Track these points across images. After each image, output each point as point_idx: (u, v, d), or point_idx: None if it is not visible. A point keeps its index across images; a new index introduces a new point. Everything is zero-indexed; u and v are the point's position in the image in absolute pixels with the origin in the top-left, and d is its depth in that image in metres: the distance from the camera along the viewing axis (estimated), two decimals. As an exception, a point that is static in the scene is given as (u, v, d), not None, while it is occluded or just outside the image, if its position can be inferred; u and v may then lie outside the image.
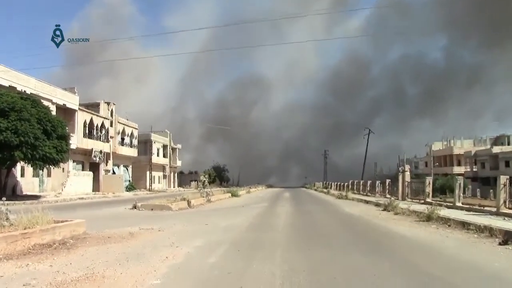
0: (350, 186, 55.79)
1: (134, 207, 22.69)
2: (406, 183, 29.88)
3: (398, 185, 31.14)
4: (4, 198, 13.94)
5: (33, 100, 32.89)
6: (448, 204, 22.17)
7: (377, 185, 40.26)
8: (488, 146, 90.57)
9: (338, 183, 69.05)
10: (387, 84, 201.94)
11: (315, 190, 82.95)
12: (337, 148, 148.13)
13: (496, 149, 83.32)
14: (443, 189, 51.45)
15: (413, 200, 27.46)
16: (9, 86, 35.30)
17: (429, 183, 25.75)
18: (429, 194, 25.59)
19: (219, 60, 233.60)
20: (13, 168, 36.19)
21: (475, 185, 76.22)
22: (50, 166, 33.87)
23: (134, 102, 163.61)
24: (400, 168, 31.69)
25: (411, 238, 12.12)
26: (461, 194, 21.43)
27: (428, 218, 16.62)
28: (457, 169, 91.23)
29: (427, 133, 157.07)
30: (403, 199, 28.92)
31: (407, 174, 30.02)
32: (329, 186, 77.66)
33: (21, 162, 32.64)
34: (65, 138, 33.99)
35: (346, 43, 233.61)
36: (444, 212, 17.18)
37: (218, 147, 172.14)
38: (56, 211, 24.57)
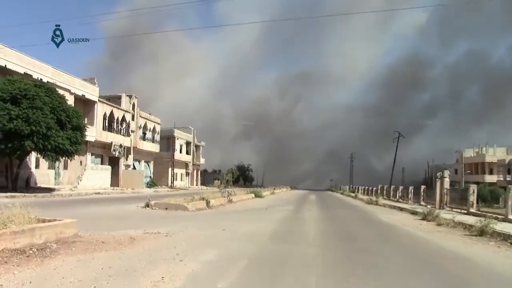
0: (379, 191, 53.04)
1: (147, 205, 20.62)
2: (445, 190, 27.20)
3: (435, 192, 28.42)
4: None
5: (48, 88, 31.13)
6: (498, 216, 19.48)
7: (410, 191, 37.51)
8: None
9: (366, 188, 66.27)
10: (445, 85, 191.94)
11: (342, 193, 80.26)
12: (378, 152, 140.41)
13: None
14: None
15: (453, 210, 24.85)
16: (24, 73, 33.64)
17: (473, 191, 23.04)
18: (473, 203, 22.89)
19: (267, 54, 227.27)
20: (27, 159, 34.70)
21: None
22: (63, 158, 32.13)
23: (171, 96, 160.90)
24: (438, 174, 28.99)
25: (473, 260, 9.71)
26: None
27: (481, 232, 14.13)
28: (489, 178, 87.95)
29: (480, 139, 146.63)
30: (441, 207, 26.27)
31: (446, 180, 27.37)
32: (356, 190, 75.04)
33: (34, 153, 30.94)
34: (80, 129, 32.16)
35: (404, 40, 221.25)
36: (498, 226, 14.61)
37: (251, 145, 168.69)
38: (62, 206, 22.83)
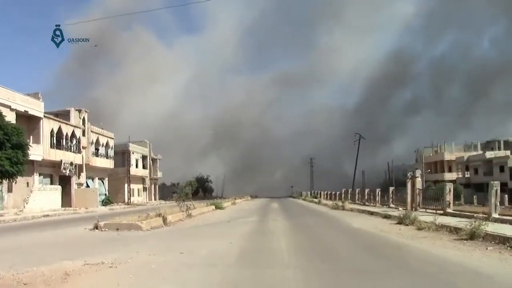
0: (343, 195, 51.92)
1: (96, 227, 18.38)
2: (418, 190, 25.90)
3: (406, 192, 27.12)
4: None
5: (-19, 104, 28.54)
6: (477, 214, 18.12)
7: (377, 193, 36.29)
8: (480, 152, 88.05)
9: (329, 192, 65.27)
10: (428, 82, 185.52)
11: (304, 200, 79.07)
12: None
13: (490, 154, 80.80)
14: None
15: (427, 211, 23.58)
16: (-45, 89, 30.77)
17: (450, 190, 21.80)
18: (449, 203, 21.60)
19: (242, 57, 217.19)
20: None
21: (468, 192, 73.20)
22: (4, 180, 29.41)
23: (138, 106, 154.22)
24: (408, 174, 27.63)
25: (484, 273, 8.12)
26: (497, 204, 17.45)
27: (472, 236, 12.67)
28: (448, 176, 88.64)
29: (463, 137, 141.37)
30: (414, 209, 24.89)
31: (418, 180, 26.12)
32: (318, 196, 74.01)
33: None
34: (22, 147, 29.56)
35: (386, 34, 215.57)
36: (488, 227, 13.17)
37: (218, 155, 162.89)
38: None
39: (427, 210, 23.71)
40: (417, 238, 13.59)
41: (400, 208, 27.12)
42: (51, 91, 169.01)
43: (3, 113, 32.78)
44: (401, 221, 18.81)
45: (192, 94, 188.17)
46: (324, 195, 67.92)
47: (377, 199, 36.05)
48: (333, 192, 61.39)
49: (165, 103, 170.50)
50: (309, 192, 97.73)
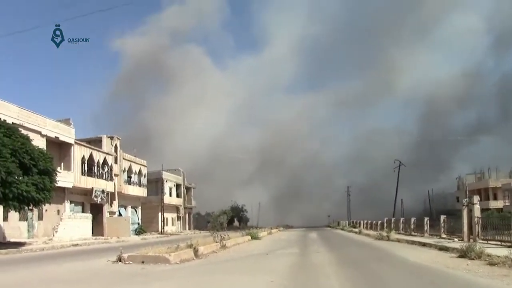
0: (385, 225, 49.00)
1: (119, 259, 16.48)
2: (476, 219, 23.18)
3: (462, 222, 24.45)
4: None
5: (8, 128, 27.30)
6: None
7: (425, 222, 33.54)
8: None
9: (369, 222, 62.07)
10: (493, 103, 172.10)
11: (342, 229, 75.99)
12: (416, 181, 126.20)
13: (541, 181, 76.44)
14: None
15: (489, 242, 20.95)
16: (-18, 113, 29.76)
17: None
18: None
19: (294, 75, 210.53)
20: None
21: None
22: (29, 207, 28.04)
23: (182, 131, 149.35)
24: (464, 201, 24.99)
25: None
26: None
27: None
28: (494, 203, 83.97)
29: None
30: (472, 240, 22.25)
31: (477, 207, 23.34)
32: (357, 225, 70.91)
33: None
34: (49, 173, 28.12)
35: (448, 52, 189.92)
36: None
37: (260, 182, 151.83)
38: (17, 264, 18.85)
39: (489, 242, 21.06)
40: (497, 277, 11.17)
41: (455, 239, 24.54)
42: (96, 116, 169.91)
43: (34, 139, 31.79)
44: (464, 254, 16.28)
45: (241, 118, 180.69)
46: (363, 224, 64.76)
47: (425, 228, 33.31)
48: (374, 222, 58.43)
49: (212, 128, 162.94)
50: (346, 222, 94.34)
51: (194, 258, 18.10)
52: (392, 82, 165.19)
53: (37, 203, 27.26)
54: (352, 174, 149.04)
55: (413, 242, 27.17)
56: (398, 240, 30.44)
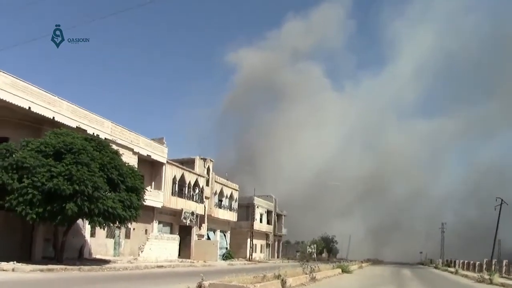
0: (484, 266, 44.63)
1: (199, 286, 14.86)
2: None
3: None
4: None
5: (99, 142, 27.00)
6: None
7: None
8: None
9: (466, 262, 57.15)
10: None
11: (435, 268, 71.16)
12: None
13: None
14: None
15: None
16: (77, 127, 29.61)
17: None
18: None
19: (412, 97, 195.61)
20: (81, 226, 30.48)
21: None
22: (114, 224, 27.42)
23: (285, 154, 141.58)
24: None
25: None
26: None
27: None
28: None
29: None
30: None
31: None
32: (452, 264, 65.84)
33: (84, 218, 26.29)
34: (136, 191, 27.45)
35: None
36: None
37: (352, 215, 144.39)
38: (95, 283, 17.89)
39: None
40: None
41: None
42: (201, 135, 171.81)
43: (125, 156, 31.55)
44: None
45: (351, 143, 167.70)
46: (459, 264, 59.65)
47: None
48: (472, 262, 53.77)
49: (318, 152, 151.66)
50: (440, 260, 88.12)
51: (280, 291, 16.18)
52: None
53: (123, 220, 26.58)
54: (458, 210, 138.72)
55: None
56: (503, 285, 26.99)
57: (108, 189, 25.11)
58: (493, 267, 40.97)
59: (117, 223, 27.02)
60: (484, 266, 44.34)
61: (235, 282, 15.09)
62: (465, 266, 55.47)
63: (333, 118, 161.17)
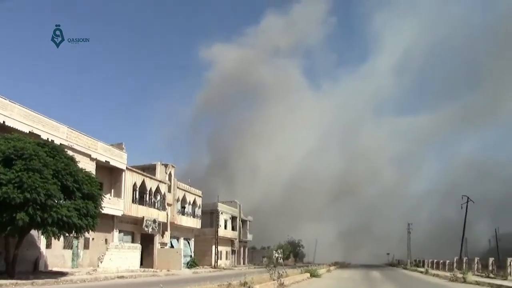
0: (455, 265, 44.63)
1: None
2: None
3: None
4: None
5: (53, 147, 25.56)
6: None
7: (509, 263, 29.49)
8: None
9: (435, 261, 57.36)
10: None
11: (404, 268, 71.41)
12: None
13: None
14: None
15: None
16: (30, 132, 28.06)
17: None
18: None
19: (391, 94, 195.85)
20: (36, 238, 28.83)
21: None
22: (70, 234, 26.02)
23: (258, 155, 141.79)
24: None
25: None
26: None
27: None
28: None
29: None
30: None
31: None
32: (420, 264, 66.31)
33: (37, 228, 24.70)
34: (93, 198, 26.07)
35: None
36: None
37: (323, 221, 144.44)
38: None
39: None
40: None
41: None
42: (172, 139, 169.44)
43: (82, 162, 30.17)
44: None
45: (328, 143, 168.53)
46: (428, 263, 59.86)
47: (508, 271, 29.35)
48: (441, 261, 53.98)
49: (293, 154, 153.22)
50: (408, 261, 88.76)
51: (246, 298, 15.25)
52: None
53: (79, 229, 25.10)
54: (434, 210, 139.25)
55: (499, 287, 23.40)
56: (478, 283, 26.76)
57: (63, 197, 23.76)
58: (464, 265, 40.75)
59: (73, 232, 25.54)
60: (455, 265, 44.29)
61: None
62: (434, 266, 55.43)
63: (310, 118, 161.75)
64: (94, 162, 35.04)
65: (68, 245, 33.51)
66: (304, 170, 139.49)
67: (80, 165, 27.88)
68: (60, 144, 29.19)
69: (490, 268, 33.67)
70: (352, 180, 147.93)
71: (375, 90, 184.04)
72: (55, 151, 25.21)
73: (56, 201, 23.02)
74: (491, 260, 34.60)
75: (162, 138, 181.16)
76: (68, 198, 24.26)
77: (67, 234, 25.70)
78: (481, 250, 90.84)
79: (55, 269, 30.73)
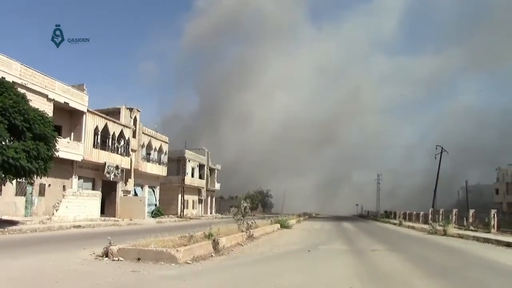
0: (430, 216, 43.69)
1: (106, 254, 11.69)
2: None
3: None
4: None
5: (1, 83, 22.71)
6: None
7: (492, 215, 28.50)
8: None
9: (407, 212, 56.08)
10: None
11: (376, 220, 70.79)
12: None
13: None
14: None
15: None
16: (-24, 69, 25.17)
17: None
18: None
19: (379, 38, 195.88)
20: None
21: None
22: (19, 178, 23.54)
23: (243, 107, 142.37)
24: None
25: None
26: None
27: None
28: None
29: None
30: None
31: None
32: (392, 215, 65.39)
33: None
34: (46, 139, 23.46)
35: None
36: None
37: (291, 170, 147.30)
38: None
39: None
40: None
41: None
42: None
43: (39, 102, 27.44)
44: None
45: (318, 88, 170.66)
46: (399, 215, 58.75)
47: (492, 223, 28.34)
48: (414, 212, 52.85)
49: (288, 98, 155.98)
50: (377, 211, 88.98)
51: (213, 254, 13.26)
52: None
53: (29, 174, 22.60)
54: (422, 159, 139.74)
55: (486, 240, 22.19)
56: (461, 236, 25.56)
57: (9, 137, 21.14)
58: (440, 216, 39.57)
59: (23, 177, 23.07)
60: (429, 216, 43.30)
61: (153, 246, 11.89)
62: (407, 217, 54.05)
63: (307, 59, 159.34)
64: (52, 103, 32.23)
65: (21, 192, 31.03)
66: (293, 118, 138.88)
67: (36, 105, 25.11)
68: (13, 81, 26.30)
69: (471, 220, 32.51)
70: (338, 127, 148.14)
71: (376, 30, 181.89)
72: (3, 87, 22.35)
73: (2, 142, 20.45)
74: (471, 211, 33.50)
75: (148, 82, 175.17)
76: (16, 139, 21.65)
77: (15, 179, 23.14)
78: (449, 203, 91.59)
79: (4, 217, 28.18)
